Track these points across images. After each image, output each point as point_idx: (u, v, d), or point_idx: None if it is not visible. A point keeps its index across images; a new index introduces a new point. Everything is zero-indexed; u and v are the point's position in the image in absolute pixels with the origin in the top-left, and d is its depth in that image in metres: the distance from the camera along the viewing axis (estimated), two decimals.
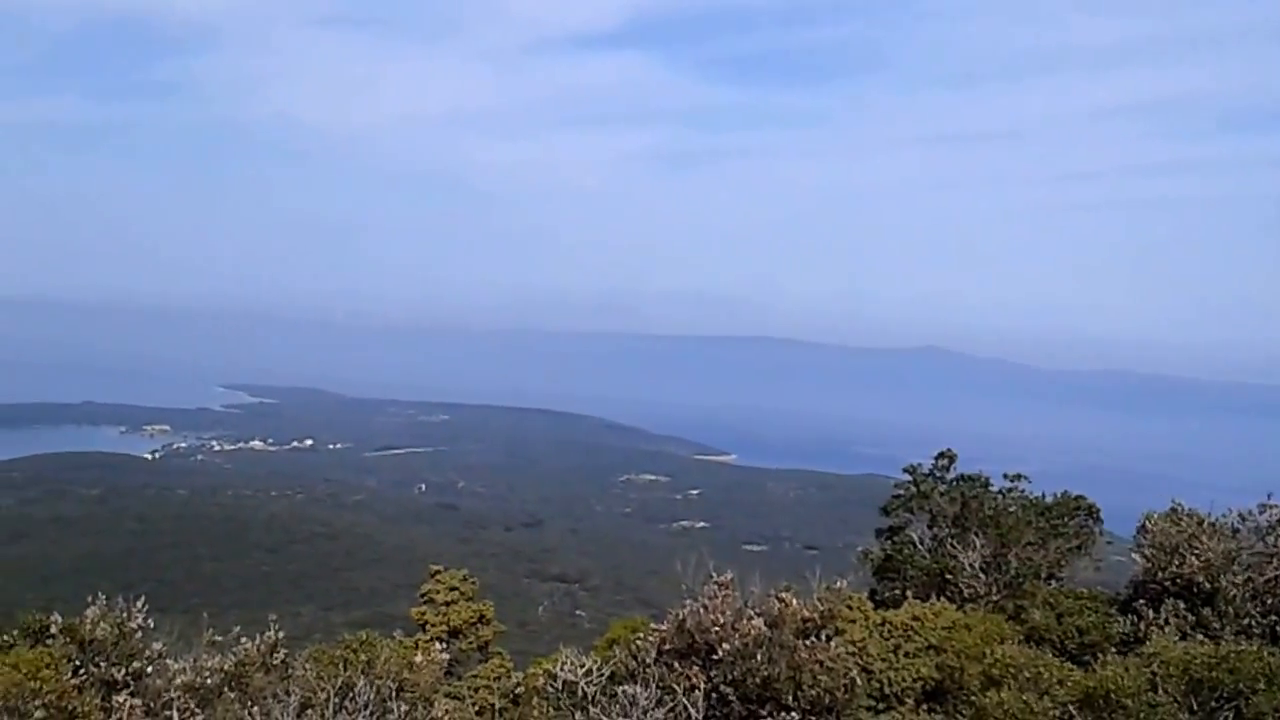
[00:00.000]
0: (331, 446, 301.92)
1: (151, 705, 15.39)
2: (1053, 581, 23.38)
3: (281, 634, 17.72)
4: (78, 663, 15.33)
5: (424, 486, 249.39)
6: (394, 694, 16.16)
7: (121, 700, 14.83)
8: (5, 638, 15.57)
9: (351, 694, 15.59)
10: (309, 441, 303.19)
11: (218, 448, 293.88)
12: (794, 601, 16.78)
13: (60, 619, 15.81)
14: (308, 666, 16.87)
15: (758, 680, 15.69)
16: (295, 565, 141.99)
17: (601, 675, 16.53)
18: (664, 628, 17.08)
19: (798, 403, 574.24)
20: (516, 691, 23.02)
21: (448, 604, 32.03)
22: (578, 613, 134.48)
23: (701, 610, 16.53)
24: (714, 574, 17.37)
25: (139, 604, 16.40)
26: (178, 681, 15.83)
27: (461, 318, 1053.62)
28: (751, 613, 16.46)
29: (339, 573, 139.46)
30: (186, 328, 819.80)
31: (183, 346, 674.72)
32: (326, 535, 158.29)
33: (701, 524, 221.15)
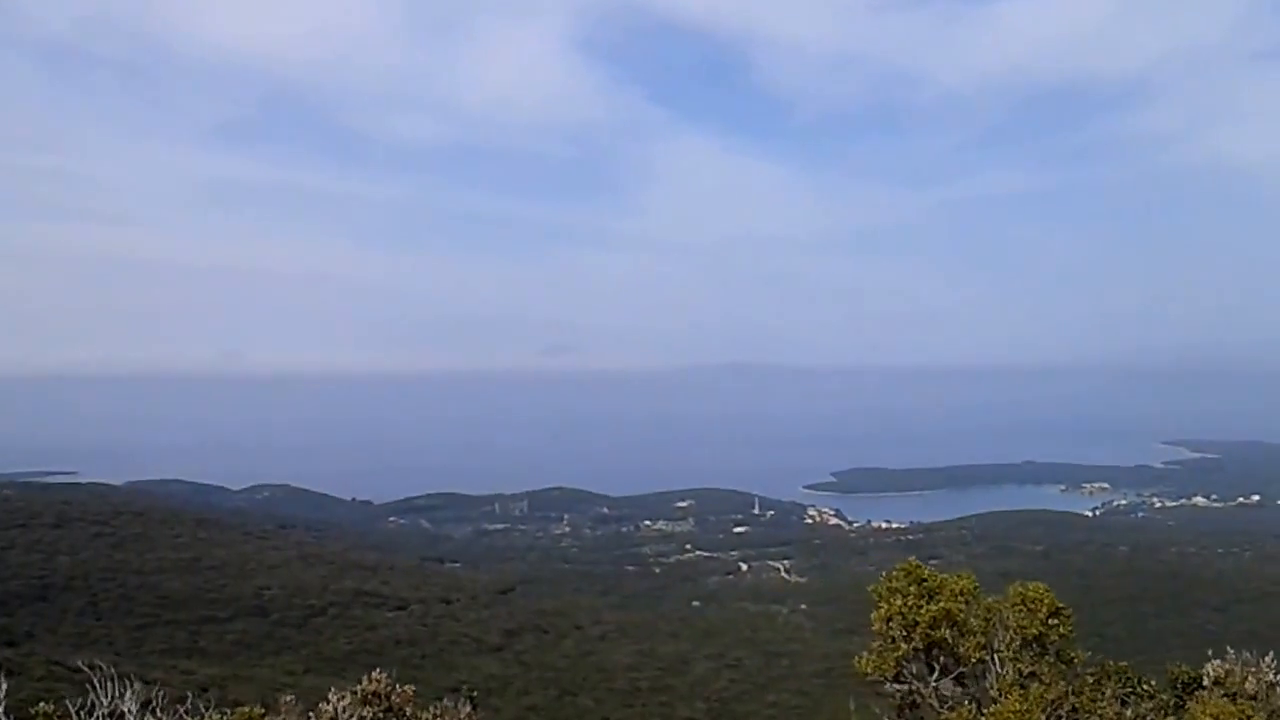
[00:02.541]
0: None
1: None
2: None
3: None
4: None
5: None
6: None
7: None
8: (1146, 688, 15.58)
9: None
10: (1255, 497, 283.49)
11: (1159, 504, 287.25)
12: None
13: (1211, 670, 15.44)
14: None
15: None
16: (1243, 625, 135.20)
17: None
18: None
19: None
20: None
21: None
22: None
23: None
24: None
25: (1268, 658, 15.38)
26: None
27: None
28: None
29: None
30: (1122, 386, 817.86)
31: (1120, 404, 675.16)
32: (1278, 595, 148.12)
33: None
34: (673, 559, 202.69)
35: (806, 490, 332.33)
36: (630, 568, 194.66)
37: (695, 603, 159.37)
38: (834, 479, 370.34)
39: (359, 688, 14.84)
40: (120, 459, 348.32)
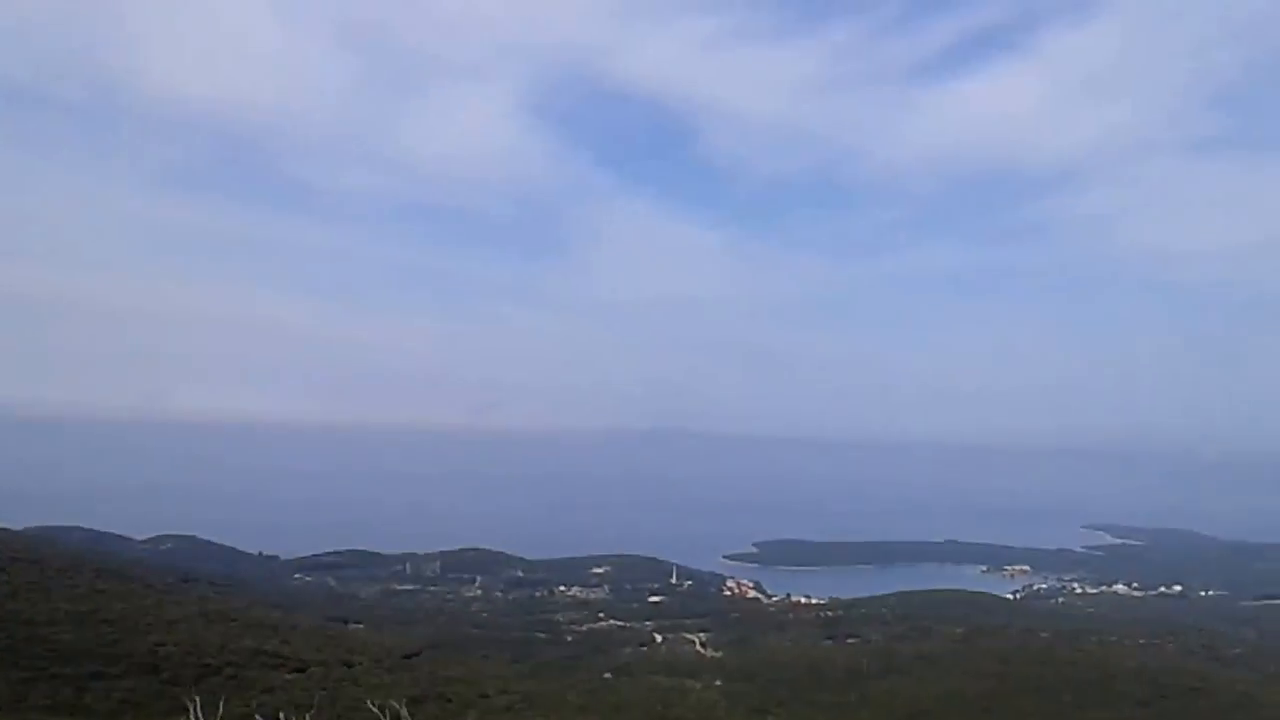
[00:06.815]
0: (1203, 593, 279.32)
1: None
2: None
3: None
4: None
5: None
6: None
7: None
8: None
9: None
10: (1178, 587, 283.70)
11: (1079, 590, 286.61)
12: None
13: None
14: None
15: None
16: None
17: None
18: None
19: None
20: None
21: None
22: None
23: None
24: None
25: None
26: None
27: None
28: None
29: None
30: (1047, 467, 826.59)
31: (1043, 485, 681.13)
32: (1202, 690, 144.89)
33: None
34: (585, 627, 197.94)
35: (726, 560, 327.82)
36: (542, 635, 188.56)
37: (607, 674, 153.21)
38: (755, 549, 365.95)
39: None
40: (25, 502, 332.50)
